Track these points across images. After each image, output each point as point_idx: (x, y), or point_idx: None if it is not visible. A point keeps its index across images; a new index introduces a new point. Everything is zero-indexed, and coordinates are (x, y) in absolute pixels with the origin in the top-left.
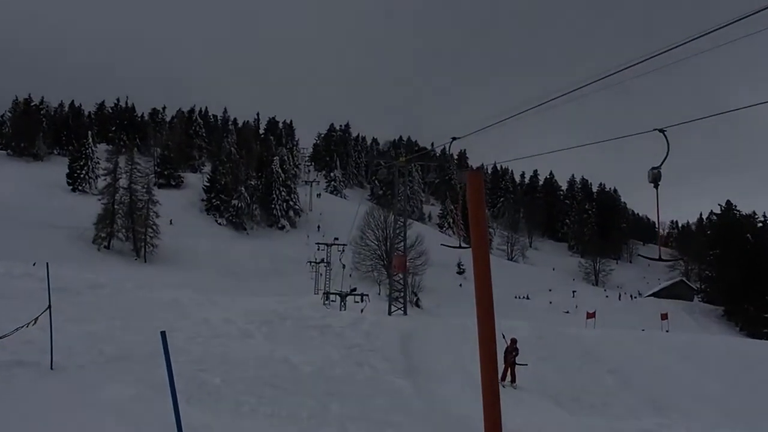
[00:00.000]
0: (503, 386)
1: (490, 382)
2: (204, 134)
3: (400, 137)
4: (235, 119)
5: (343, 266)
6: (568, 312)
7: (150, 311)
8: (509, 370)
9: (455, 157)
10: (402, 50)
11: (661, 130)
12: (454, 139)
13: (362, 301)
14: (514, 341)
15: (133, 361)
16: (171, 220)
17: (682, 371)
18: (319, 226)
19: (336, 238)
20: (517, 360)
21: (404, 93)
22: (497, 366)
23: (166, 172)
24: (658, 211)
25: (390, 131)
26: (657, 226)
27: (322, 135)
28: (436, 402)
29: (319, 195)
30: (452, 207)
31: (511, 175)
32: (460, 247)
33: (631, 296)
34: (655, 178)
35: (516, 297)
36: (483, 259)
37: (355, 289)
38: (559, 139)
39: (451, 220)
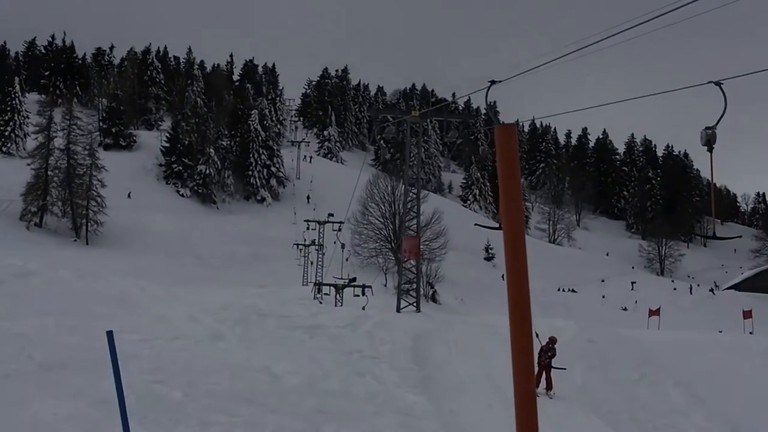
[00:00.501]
0: (536, 395)
1: (525, 398)
2: (162, 81)
3: (413, 86)
4: (202, 62)
5: (342, 246)
6: (625, 309)
7: (93, 306)
8: (544, 374)
9: (481, 111)
10: None
11: (717, 83)
12: (493, 83)
13: (363, 294)
14: (552, 340)
15: (71, 370)
16: (129, 193)
17: None
18: (308, 197)
19: (331, 215)
20: (554, 363)
21: (417, 31)
22: (534, 378)
23: (114, 130)
24: (712, 178)
25: (399, 79)
26: (711, 195)
27: (313, 83)
28: (458, 423)
29: (309, 159)
30: (479, 175)
31: (553, 135)
32: (500, 227)
33: (711, 289)
34: (709, 140)
35: (560, 290)
36: (517, 242)
37: (354, 279)
38: (616, 91)
39: (477, 192)
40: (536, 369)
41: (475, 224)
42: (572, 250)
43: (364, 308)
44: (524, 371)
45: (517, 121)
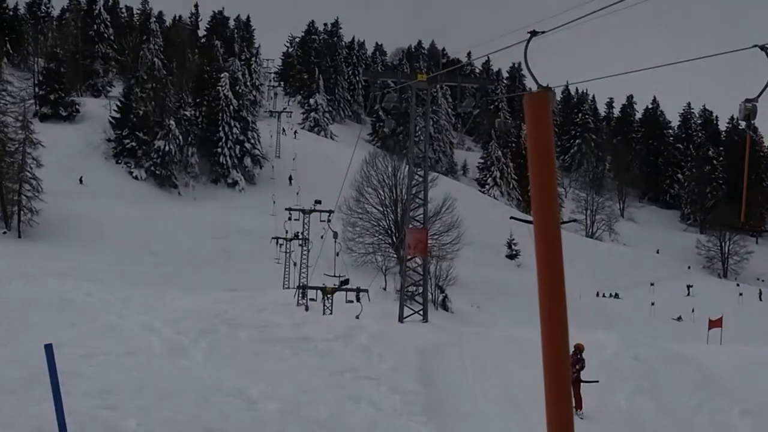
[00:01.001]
0: (581, 417)
1: (559, 428)
2: (112, 37)
3: (419, 43)
4: (160, 14)
5: (335, 235)
6: (679, 318)
7: (27, 314)
8: (572, 390)
9: (502, 76)
10: None
11: (763, 48)
12: (533, 34)
13: (358, 300)
14: (578, 348)
15: None
16: (81, 178)
17: None
18: (291, 178)
19: (318, 201)
20: (583, 375)
21: None
22: (571, 405)
23: (52, 97)
24: (747, 159)
25: (402, 35)
26: (744, 180)
27: (297, 40)
28: None
29: (294, 133)
30: (500, 153)
31: (592, 104)
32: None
33: None
34: (749, 114)
35: (600, 294)
36: (550, 235)
37: (347, 281)
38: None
39: (497, 174)
40: None
41: (511, 218)
42: (615, 246)
43: (358, 317)
44: (559, 396)
45: (548, 86)
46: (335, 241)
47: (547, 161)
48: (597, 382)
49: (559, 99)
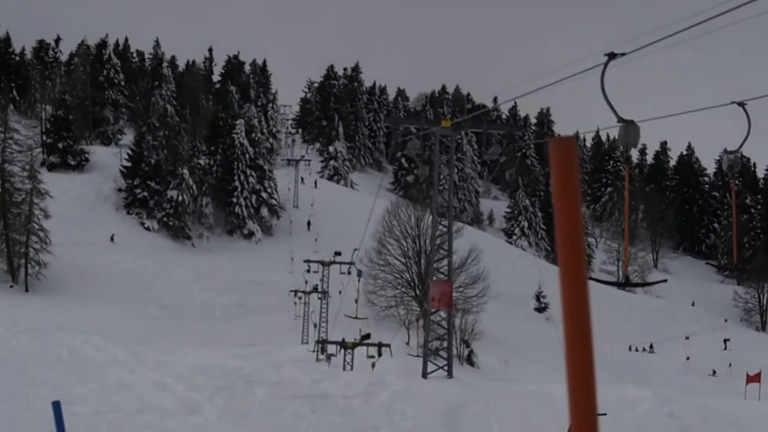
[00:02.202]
0: None
1: None
2: (122, 83)
3: (443, 88)
4: (173, 59)
5: (359, 274)
6: (715, 373)
7: (34, 370)
8: None
9: (530, 121)
10: None
11: (741, 104)
12: (612, 57)
13: (380, 355)
14: None
15: None
16: (113, 237)
17: None
18: (309, 223)
19: (338, 253)
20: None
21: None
22: None
23: (60, 145)
24: (735, 206)
25: (425, 80)
26: (733, 223)
27: (315, 85)
28: None
29: (315, 183)
30: (527, 202)
31: (624, 150)
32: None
33: None
34: (732, 166)
35: (632, 349)
36: (577, 287)
37: (368, 336)
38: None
39: (524, 224)
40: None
41: (590, 278)
42: (648, 298)
43: (373, 366)
44: None
45: (577, 133)
46: (359, 280)
47: (572, 207)
48: (605, 414)
49: (588, 145)
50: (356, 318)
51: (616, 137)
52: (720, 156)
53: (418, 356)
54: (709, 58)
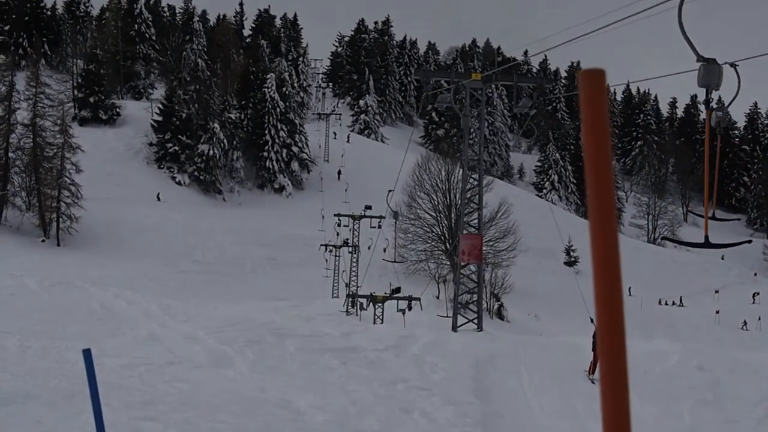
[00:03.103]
0: (592, 382)
1: None
2: (154, 38)
3: (473, 42)
4: (204, 13)
5: (395, 216)
6: (746, 324)
7: (66, 324)
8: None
9: (561, 74)
10: None
11: (732, 65)
12: None
13: (410, 309)
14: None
15: (37, 404)
16: (158, 195)
17: None
18: (339, 173)
19: (368, 207)
20: None
21: None
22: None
23: (92, 100)
24: (717, 163)
25: (456, 34)
26: (714, 181)
27: (346, 39)
28: None
29: (347, 138)
30: (558, 156)
31: (654, 104)
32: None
33: None
34: (719, 122)
35: (662, 302)
36: (607, 237)
37: (398, 290)
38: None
39: (555, 177)
40: (592, 355)
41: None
42: (678, 252)
43: (404, 313)
44: (616, 410)
45: (607, 86)
46: (395, 223)
47: (602, 141)
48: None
49: (618, 99)
50: (393, 261)
51: (697, 78)
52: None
53: (447, 317)
54: None
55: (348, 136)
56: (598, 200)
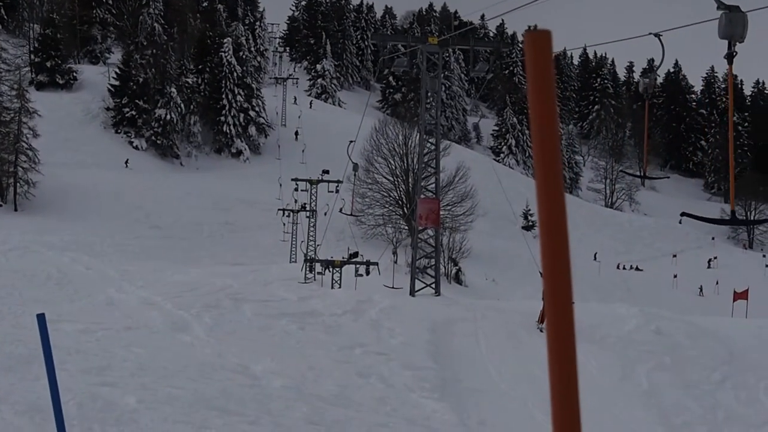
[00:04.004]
0: (540, 330)
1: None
2: (111, 1)
3: (430, 6)
4: None
5: (355, 167)
6: (702, 290)
7: (23, 288)
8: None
9: (518, 38)
10: None
11: (657, 35)
12: None
13: (367, 273)
14: None
15: None
16: (127, 161)
17: None
18: (297, 133)
19: (325, 171)
20: None
21: None
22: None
23: (49, 64)
24: (647, 128)
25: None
26: (645, 145)
27: (303, 3)
28: None
29: (310, 104)
30: (515, 120)
31: (611, 68)
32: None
33: None
34: (646, 89)
35: (620, 267)
36: (552, 196)
37: (356, 254)
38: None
39: (512, 141)
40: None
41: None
42: (635, 216)
43: (362, 275)
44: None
45: (564, 50)
46: (355, 174)
47: (548, 105)
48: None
49: (576, 63)
50: (352, 215)
51: (718, 28)
52: (637, 79)
53: (393, 288)
54: None
55: (311, 103)
56: (544, 164)
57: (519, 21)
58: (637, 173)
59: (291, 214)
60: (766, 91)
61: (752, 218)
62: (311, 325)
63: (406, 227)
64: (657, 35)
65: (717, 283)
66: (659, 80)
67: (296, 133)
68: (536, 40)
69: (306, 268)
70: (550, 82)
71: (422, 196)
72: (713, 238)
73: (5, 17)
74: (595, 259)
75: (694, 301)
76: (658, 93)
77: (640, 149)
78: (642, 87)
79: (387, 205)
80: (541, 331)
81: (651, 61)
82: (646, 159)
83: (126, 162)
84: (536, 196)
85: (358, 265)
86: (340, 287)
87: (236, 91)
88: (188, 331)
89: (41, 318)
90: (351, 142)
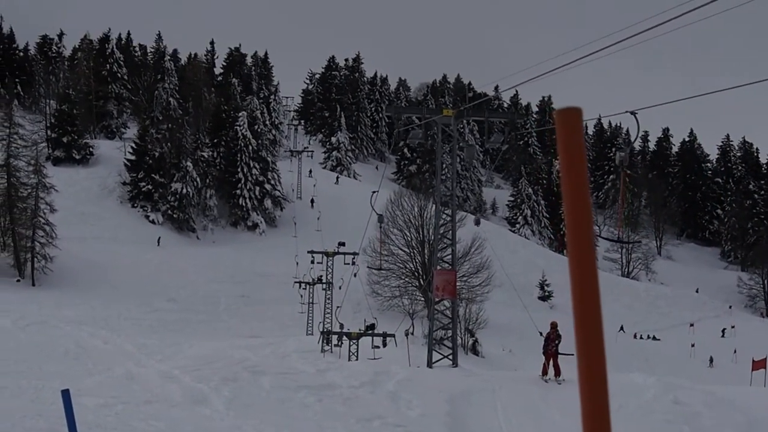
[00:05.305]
0: (545, 381)
1: None
2: (125, 77)
3: (444, 77)
4: (175, 52)
5: (380, 220)
6: (711, 363)
7: (42, 363)
8: (551, 361)
9: (532, 110)
10: None
11: (633, 113)
12: None
13: (384, 345)
14: (554, 326)
15: None
16: (159, 240)
17: None
18: (312, 201)
19: (341, 243)
20: (561, 348)
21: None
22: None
23: (65, 140)
24: (623, 197)
25: (426, 70)
26: (620, 212)
27: (317, 76)
28: None
29: (336, 179)
30: (530, 191)
31: (626, 138)
32: (619, 241)
33: None
34: (621, 162)
35: (637, 336)
36: (585, 270)
37: (373, 327)
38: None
39: (527, 212)
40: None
41: (599, 236)
42: (652, 285)
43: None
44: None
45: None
46: (380, 226)
47: (580, 180)
48: (572, 355)
49: (590, 133)
50: (380, 270)
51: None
52: (613, 152)
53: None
54: None
55: (337, 178)
56: (577, 236)
57: (533, 92)
58: (622, 239)
59: (307, 286)
60: None
61: None
62: (329, 397)
63: (422, 298)
64: (633, 113)
65: (735, 351)
66: (644, 151)
67: (312, 201)
68: (567, 117)
69: (323, 341)
70: (581, 157)
71: (439, 268)
72: (730, 307)
73: (22, 93)
74: (621, 330)
75: (712, 370)
76: (673, 162)
77: (656, 218)
78: (618, 160)
79: (403, 276)
80: (546, 381)
81: (666, 130)
82: (620, 225)
83: (158, 240)
84: (569, 266)
85: (374, 336)
86: (357, 359)
87: (252, 165)
88: (207, 404)
89: (66, 394)
90: (374, 192)
